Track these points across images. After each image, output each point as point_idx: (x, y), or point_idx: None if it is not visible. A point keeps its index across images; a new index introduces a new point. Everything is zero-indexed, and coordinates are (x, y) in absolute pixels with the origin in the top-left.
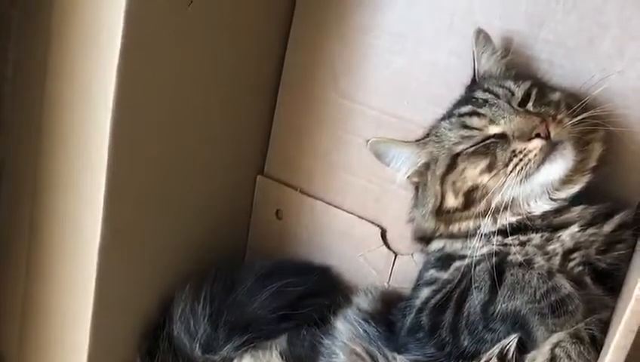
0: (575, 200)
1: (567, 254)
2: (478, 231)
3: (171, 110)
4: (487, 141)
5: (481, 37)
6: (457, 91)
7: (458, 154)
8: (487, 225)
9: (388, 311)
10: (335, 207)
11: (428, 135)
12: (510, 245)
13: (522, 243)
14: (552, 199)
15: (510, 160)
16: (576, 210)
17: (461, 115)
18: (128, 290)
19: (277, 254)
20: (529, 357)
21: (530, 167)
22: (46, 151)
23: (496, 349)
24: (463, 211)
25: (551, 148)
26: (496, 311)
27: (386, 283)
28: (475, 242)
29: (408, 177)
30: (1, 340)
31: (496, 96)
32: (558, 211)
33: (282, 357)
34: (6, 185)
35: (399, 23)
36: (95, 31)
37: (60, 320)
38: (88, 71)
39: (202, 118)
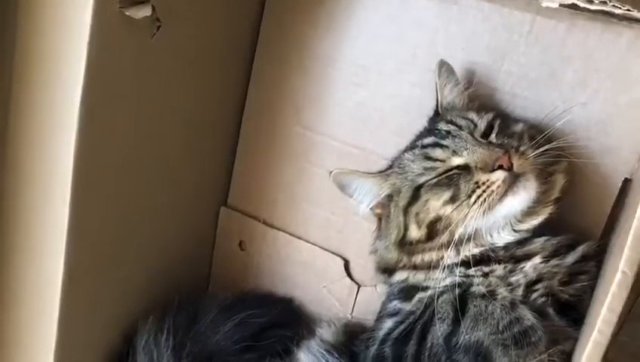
0: (538, 231)
1: (530, 285)
2: (441, 263)
3: (133, 144)
4: (450, 172)
5: (444, 69)
6: (420, 122)
7: (421, 186)
8: (450, 256)
9: (351, 343)
10: (298, 238)
11: (391, 166)
12: (473, 276)
13: (485, 275)
14: (514, 231)
15: (473, 191)
16: (539, 242)
17: (424, 147)
18: (91, 323)
19: (240, 285)
20: None
21: (492, 199)
22: (7, 192)
23: None
24: (426, 242)
25: (514, 180)
26: (459, 342)
27: (349, 315)
28: (438, 273)
29: (371, 209)
30: None
31: (459, 127)
32: (520, 243)
33: None
34: None
35: (362, 55)
36: (57, 66)
37: (22, 354)
38: (50, 107)
39: (165, 150)
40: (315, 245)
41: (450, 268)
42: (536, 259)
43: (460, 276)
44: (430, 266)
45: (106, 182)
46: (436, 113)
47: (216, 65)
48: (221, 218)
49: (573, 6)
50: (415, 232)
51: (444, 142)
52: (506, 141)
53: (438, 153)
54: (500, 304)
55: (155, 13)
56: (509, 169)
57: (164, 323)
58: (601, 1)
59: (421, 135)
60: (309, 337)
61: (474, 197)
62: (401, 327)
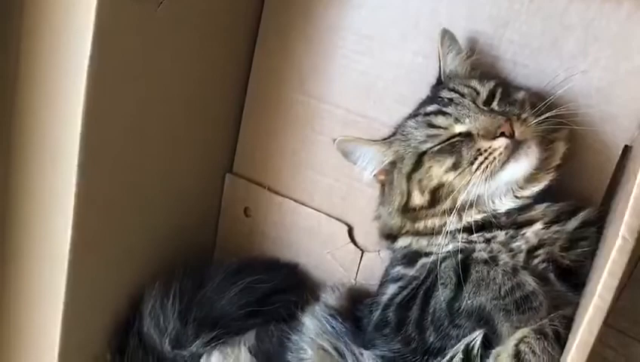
0: (539, 198)
1: (531, 251)
2: (443, 229)
3: (139, 112)
4: (453, 140)
5: (447, 37)
6: (423, 91)
7: (424, 153)
8: (452, 222)
9: (355, 308)
10: (303, 204)
11: (394, 134)
12: (475, 242)
13: (487, 241)
14: (516, 197)
15: (475, 158)
16: (541, 208)
17: (427, 114)
18: (98, 289)
19: (245, 251)
20: (494, 352)
21: (495, 166)
22: (17, 158)
23: (461, 345)
24: (429, 209)
25: (515, 147)
26: (462, 307)
27: (353, 280)
28: (441, 239)
29: (375, 175)
30: None
31: (462, 95)
32: (522, 209)
33: (251, 353)
34: None
35: (366, 24)
36: (65, 36)
37: (31, 317)
38: (58, 75)
39: (171, 118)
40: (320, 211)
41: (453, 234)
42: (538, 225)
43: (462, 242)
44: (433, 232)
45: (112, 149)
46: (439, 81)
47: (222, 34)
48: (226, 184)
49: None
50: (418, 199)
51: (447, 110)
52: (507, 108)
53: (440, 120)
54: (501, 269)
55: None
56: (511, 136)
57: (170, 289)
58: None
59: (424, 103)
60: (314, 302)
61: (476, 164)
62: (405, 292)
